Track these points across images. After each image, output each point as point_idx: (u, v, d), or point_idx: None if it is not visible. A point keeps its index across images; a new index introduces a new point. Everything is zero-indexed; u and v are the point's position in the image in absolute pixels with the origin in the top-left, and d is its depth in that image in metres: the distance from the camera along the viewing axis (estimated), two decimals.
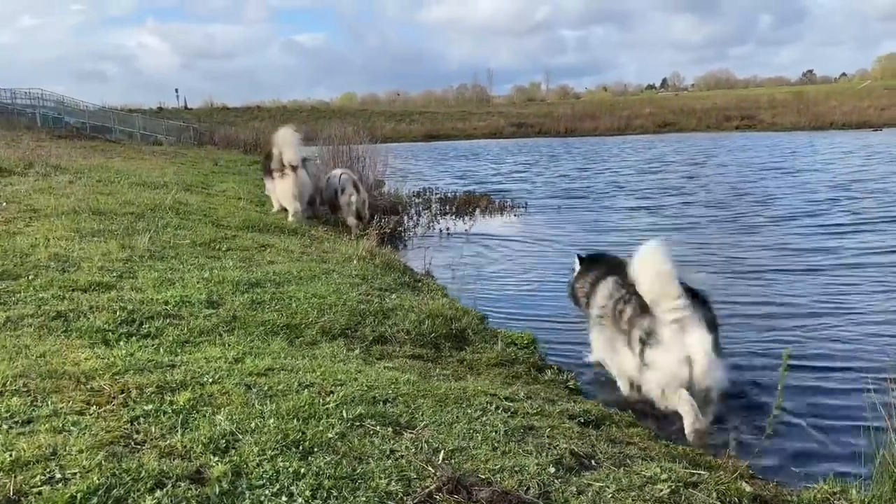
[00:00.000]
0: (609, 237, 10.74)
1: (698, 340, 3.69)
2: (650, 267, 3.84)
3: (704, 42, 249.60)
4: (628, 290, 4.12)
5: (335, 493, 2.25)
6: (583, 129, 50.98)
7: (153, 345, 3.74)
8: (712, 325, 3.83)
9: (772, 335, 5.75)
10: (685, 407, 3.70)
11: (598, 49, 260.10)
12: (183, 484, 2.20)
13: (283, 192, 9.68)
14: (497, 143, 43.83)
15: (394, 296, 5.58)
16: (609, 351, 4.39)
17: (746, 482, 2.86)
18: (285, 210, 9.81)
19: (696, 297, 3.92)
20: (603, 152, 31.48)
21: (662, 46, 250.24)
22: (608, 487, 2.51)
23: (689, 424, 3.67)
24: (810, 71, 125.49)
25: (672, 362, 3.73)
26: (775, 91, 75.45)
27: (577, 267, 5.11)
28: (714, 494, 2.58)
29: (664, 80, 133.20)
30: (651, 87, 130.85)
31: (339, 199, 10.40)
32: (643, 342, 3.89)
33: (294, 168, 9.52)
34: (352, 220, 10.23)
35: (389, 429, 2.80)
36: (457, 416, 3.05)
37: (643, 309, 3.92)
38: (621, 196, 15.88)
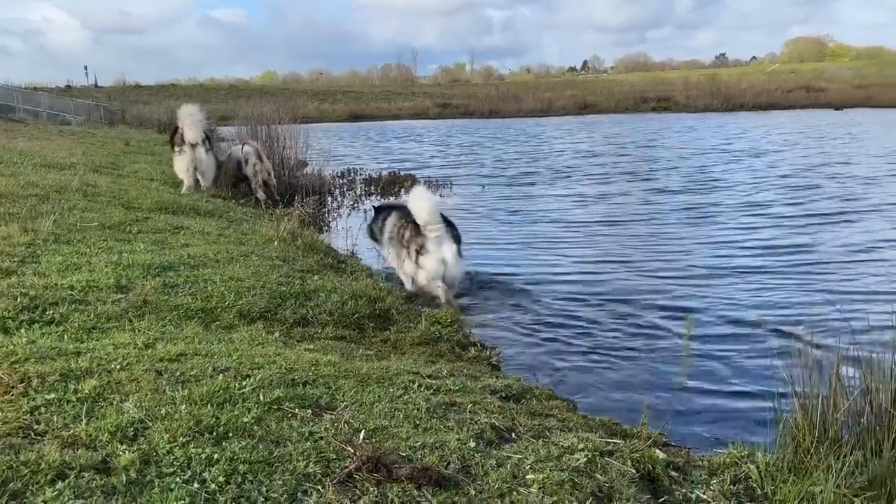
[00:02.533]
0: (539, 226, 10.87)
1: (450, 249, 5.94)
2: (423, 204, 6.01)
3: (625, 24, 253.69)
4: (406, 221, 6.26)
5: (251, 478, 2.19)
6: (507, 110, 51.44)
7: (57, 332, 3.54)
8: (457, 240, 6.05)
9: (682, 302, 5.97)
10: (440, 290, 5.96)
11: (523, 30, 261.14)
12: (87, 474, 2.10)
13: (179, 167, 10.22)
14: (436, 125, 43.33)
15: (316, 277, 5.48)
16: (398, 261, 6.44)
17: (660, 449, 2.95)
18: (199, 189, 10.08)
19: (449, 224, 6.09)
20: (540, 134, 31.32)
21: (584, 28, 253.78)
22: (527, 459, 2.54)
23: (442, 297, 5.92)
24: (723, 54, 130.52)
25: (434, 263, 5.93)
26: (690, 74, 77.90)
27: (372, 213, 7.10)
28: (629, 462, 2.65)
29: (585, 63, 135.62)
30: (572, 69, 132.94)
31: (245, 170, 10.41)
32: (418, 252, 6.04)
33: (193, 146, 9.93)
34: (261, 194, 10.28)
35: (309, 411, 2.75)
36: (378, 396, 3.02)
37: (416, 231, 6.04)
38: (566, 179, 15.56)
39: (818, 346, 3.04)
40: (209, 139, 10.31)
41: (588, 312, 5.92)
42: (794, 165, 16.52)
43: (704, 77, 64.84)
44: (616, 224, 10.34)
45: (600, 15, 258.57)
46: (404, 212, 6.34)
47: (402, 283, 6.32)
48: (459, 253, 6.00)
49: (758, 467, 2.80)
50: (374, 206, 7.33)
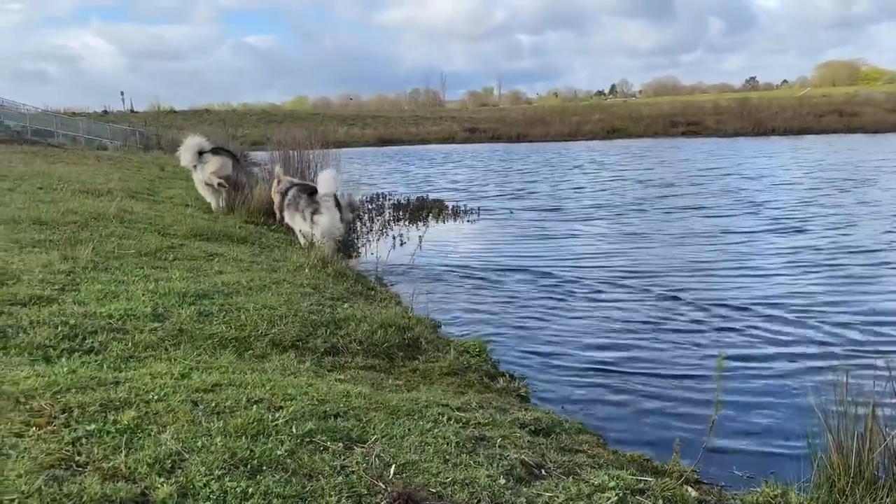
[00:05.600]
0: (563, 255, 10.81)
1: (336, 213, 8.28)
2: (327, 180, 8.46)
3: (655, 48, 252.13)
4: (301, 192, 8.67)
5: None
6: (534, 134, 51.47)
7: (96, 361, 3.63)
8: (340, 209, 8.35)
9: (714, 338, 5.91)
10: (329, 244, 8.06)
11: (553, 54, 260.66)
12: None
13: (202, 188, 11.00)
14: (471, 149, 43.00)
15: (346, 305, 5.55)
16: (294, 220, 8.78)
17: (691, 487, 2.93)
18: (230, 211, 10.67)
19: (337, 201, 8.39)
20: (598, 159, 30.21)
21: (614, 52, 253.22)
22: (557, 497, 2.54)
23: (329, 249, 7.79)
24: (753, 78, 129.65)
25: (326, 220, 8.21)
26: (719, 97, 77.35)
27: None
28: (660, 501, 2.63)
29: (613, 87, 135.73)
30: (600, 93, 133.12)
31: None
32: (313, 213, 8.31)
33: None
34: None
35: (340, 444, 2.78)
36: (409, 429, 3.05)
37: (311, 200, 8.42)
38: (639, 212, 14.19)
39: (853, 385, 2.99)
40: (239, 163, 10.99)
41: (617, 338, 5.90)
42: None
43: (734, 101, 64.33)
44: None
45: (631, 39, 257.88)
46: (302, 187, 8.93)
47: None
48: (342, 218, 8.45)
49: None
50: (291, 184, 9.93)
